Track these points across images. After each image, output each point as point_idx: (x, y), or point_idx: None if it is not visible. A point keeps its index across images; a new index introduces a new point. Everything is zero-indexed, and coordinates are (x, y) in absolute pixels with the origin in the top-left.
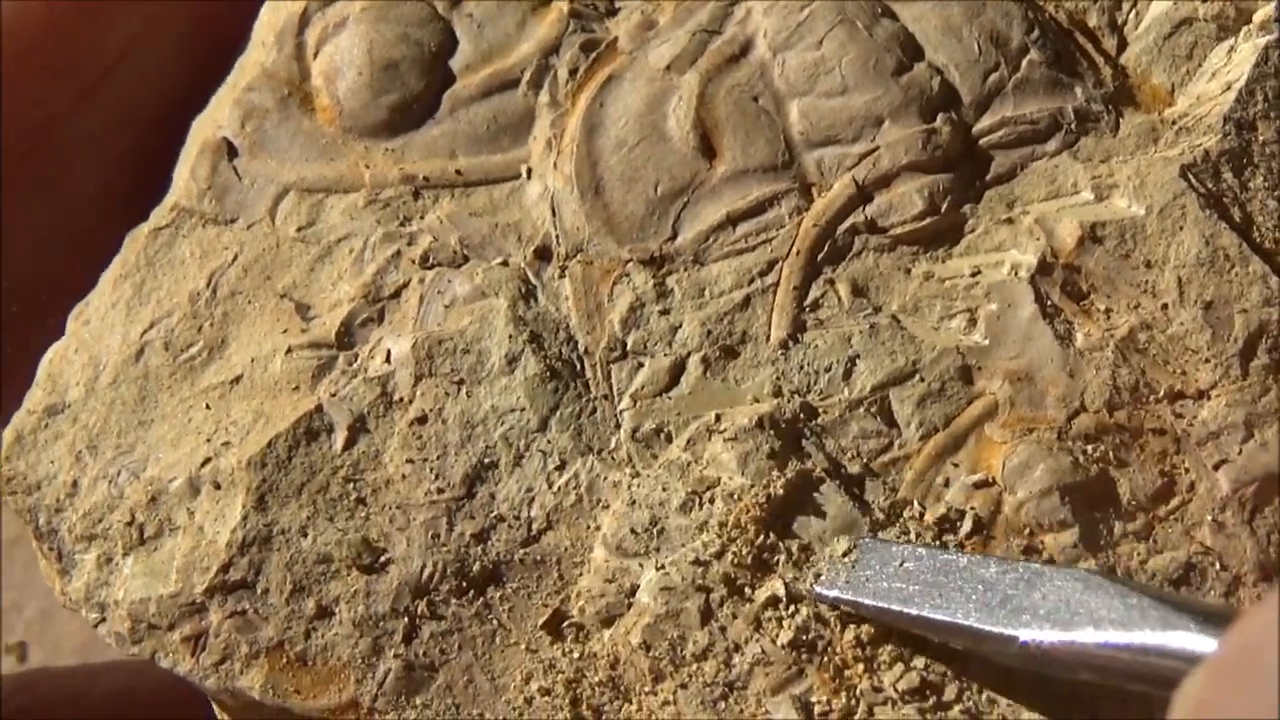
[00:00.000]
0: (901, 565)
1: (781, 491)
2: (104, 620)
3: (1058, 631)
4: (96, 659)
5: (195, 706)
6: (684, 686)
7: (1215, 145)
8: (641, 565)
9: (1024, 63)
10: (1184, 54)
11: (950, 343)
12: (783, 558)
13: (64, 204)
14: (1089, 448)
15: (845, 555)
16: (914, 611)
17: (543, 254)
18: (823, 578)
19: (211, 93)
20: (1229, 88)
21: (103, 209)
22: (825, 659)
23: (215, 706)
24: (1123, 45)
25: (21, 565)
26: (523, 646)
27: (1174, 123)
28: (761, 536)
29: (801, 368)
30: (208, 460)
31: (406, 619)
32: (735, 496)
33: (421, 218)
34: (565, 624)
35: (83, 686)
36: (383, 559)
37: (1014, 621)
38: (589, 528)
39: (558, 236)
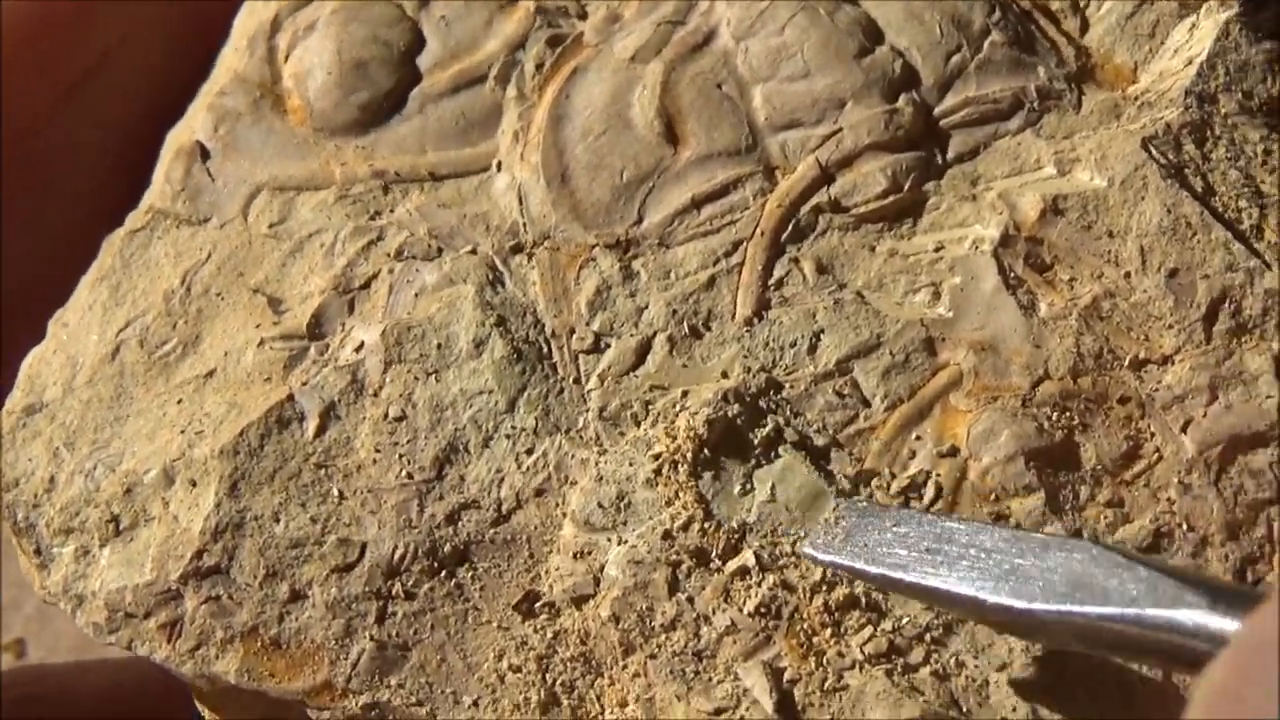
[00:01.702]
0: (897, 529)
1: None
2: (82, 611)
3: (1065, 603)
4: (95, 656)
5: (187, 699)
6: (653, 657)
7: (1176, 118)
8: (610, 540)
9: (986, 44)
10: (1146, 32)
11: (914, 316)
12: (752, 528)
13: (45, 207)
14: (1054, 414)
15: (834, 518)
16: (911, 578)
17: (510, 242)
18: (811, 539)
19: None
20: (1190, 62)
21: (84, 212)
22: (793, 625)
23: (194, 694)
24: (1085, 26)
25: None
26: (494, 625)
27: (1136, 99)
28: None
29: (767, 344)
30: (182, 451)
31: (379, 600)
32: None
33: (391, 211)
34: (538, 603)
35: (76, 682)
36: (359, 552)
37: (1020, 592)
38: (557, 506)
39: (525, 225)
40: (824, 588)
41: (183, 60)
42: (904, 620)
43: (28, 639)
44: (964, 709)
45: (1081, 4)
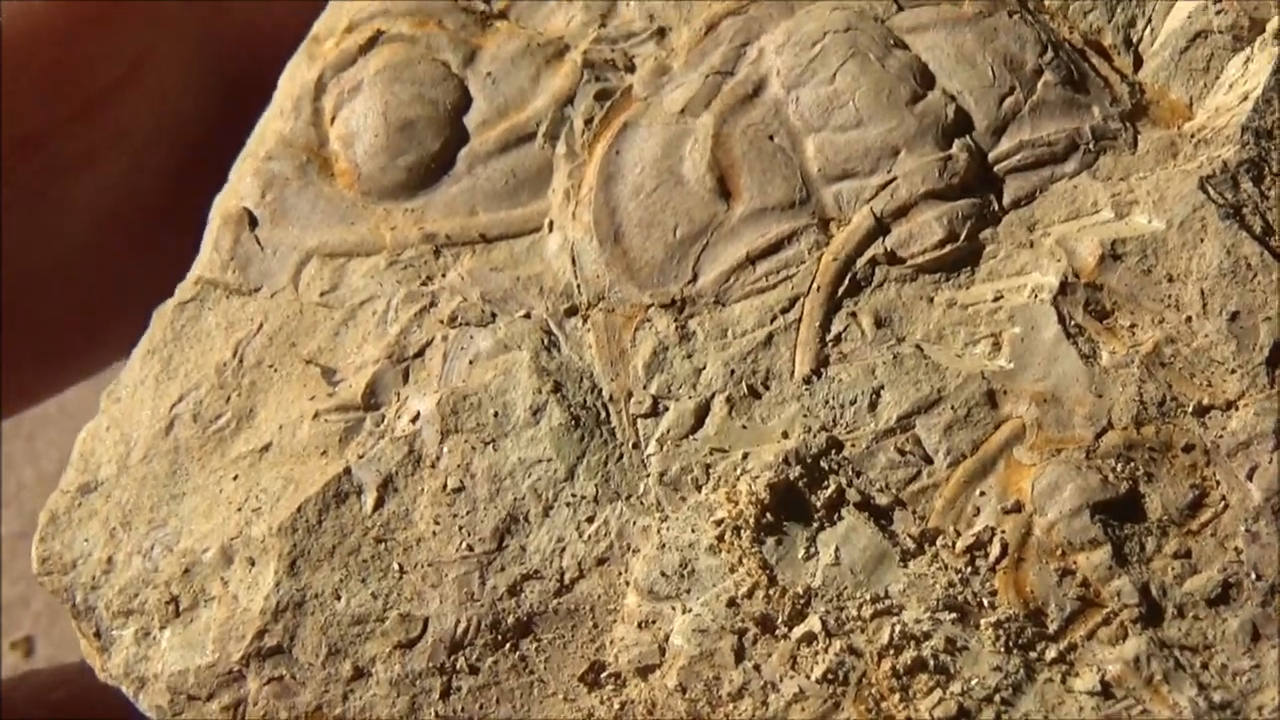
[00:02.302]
0: None
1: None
2: (144, 694)
3: None
4: None
5: None
6: None
7: (1234, 156)
8: (674, 608)
9: (1039, 85)
10: (1201, 67)
11: (975, 368)
12: (817, 593)
13: (56, 217)
14: (1118, 465)
15: None
16: None
17: (564, 304)
18: None
19: (212, 123)
20: (1246, 97)
21: (96, 225)
22: (861, 690)
23: None
24: (1139, 63)
25: (28, 559)
26: (560, 697)
27: (1193, 136)
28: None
29: (826, 402)
30: (240, 529)
31: (443, 676)
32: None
33: (443, 276)
34: (603, 673)
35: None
36: (421, 627)
37: None
38: (620, 574)
39: (579, 286)
40: (891, 651)
41: (203, 83)
42: (973, 682)
43: (36, 636)
44: None
45: (1134, 40)
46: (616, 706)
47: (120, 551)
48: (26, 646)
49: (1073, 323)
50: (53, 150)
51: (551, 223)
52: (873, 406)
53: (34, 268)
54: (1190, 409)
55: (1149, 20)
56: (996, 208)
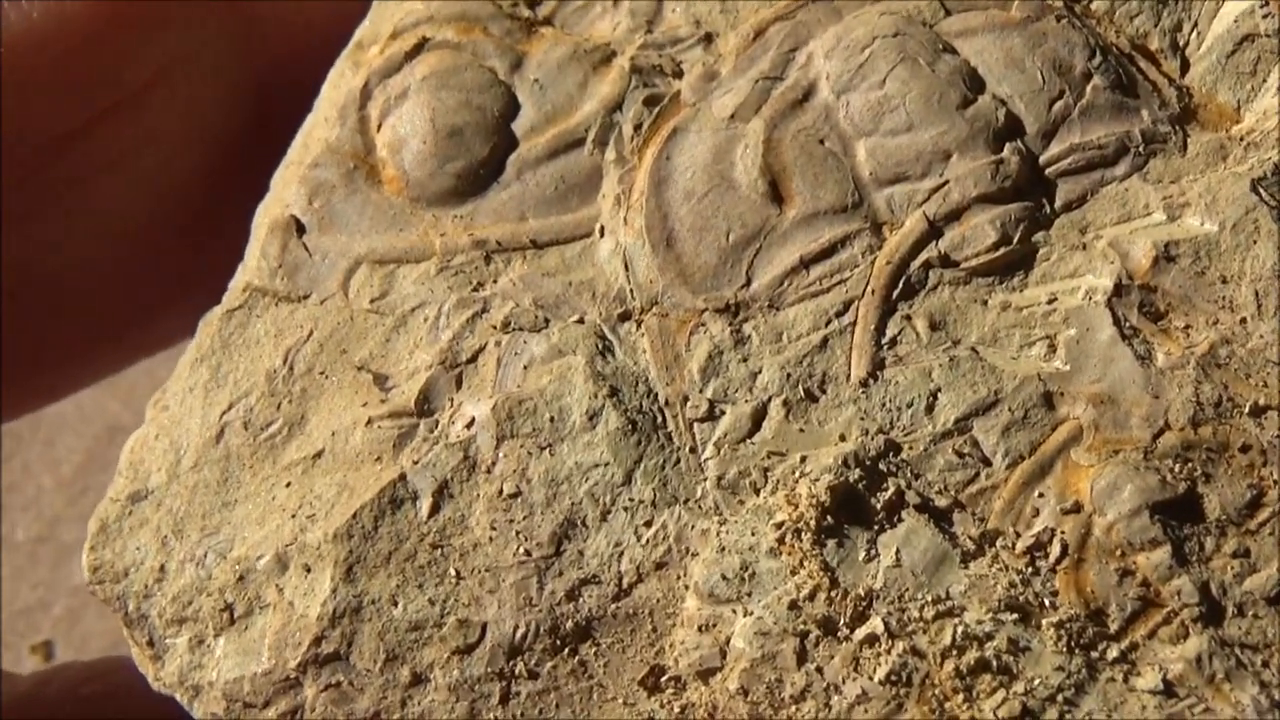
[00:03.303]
0: None
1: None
2: (199, 702)
3: None
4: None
5: None
6: None
7: None
8: (735, 611)
9: (1088, 89)
10: (1248, 70)
11: (1031, 370)
12: (879, 595)
13: (78, 218)
14: (1176, 465)
15: None
16: None
17: (618, 309)
18: None
19: (243, 127)
20: None
21: (125, 226)
22: (925, 692)
23: None
24: (1186, 66)
25: (48, 564)
26: (620, 701)
27: (1242, 139)
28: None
29: (883, 405)
30: (294, 536)
31: (502, 681)
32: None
33: (494, 282)
34: (663, 678)
35: (108, 678)
36: (480, 632)
37: None
38: (679, 578)
39: (632, 291)
40: (954, 652)
41: (235, 87)
42: (1035, 682)
43: (55, 640)
44: None
45: (1181, 44)
46: (677, 710)
47: (173, 559)
48: (46, 651)
49: (1128, 324)
50: (82, 151)
51: (603, 228)
52: (930, 409)
53: (62, 267)
54: (1246, 409)
55: (1195, 24)
56: (1048, 211)
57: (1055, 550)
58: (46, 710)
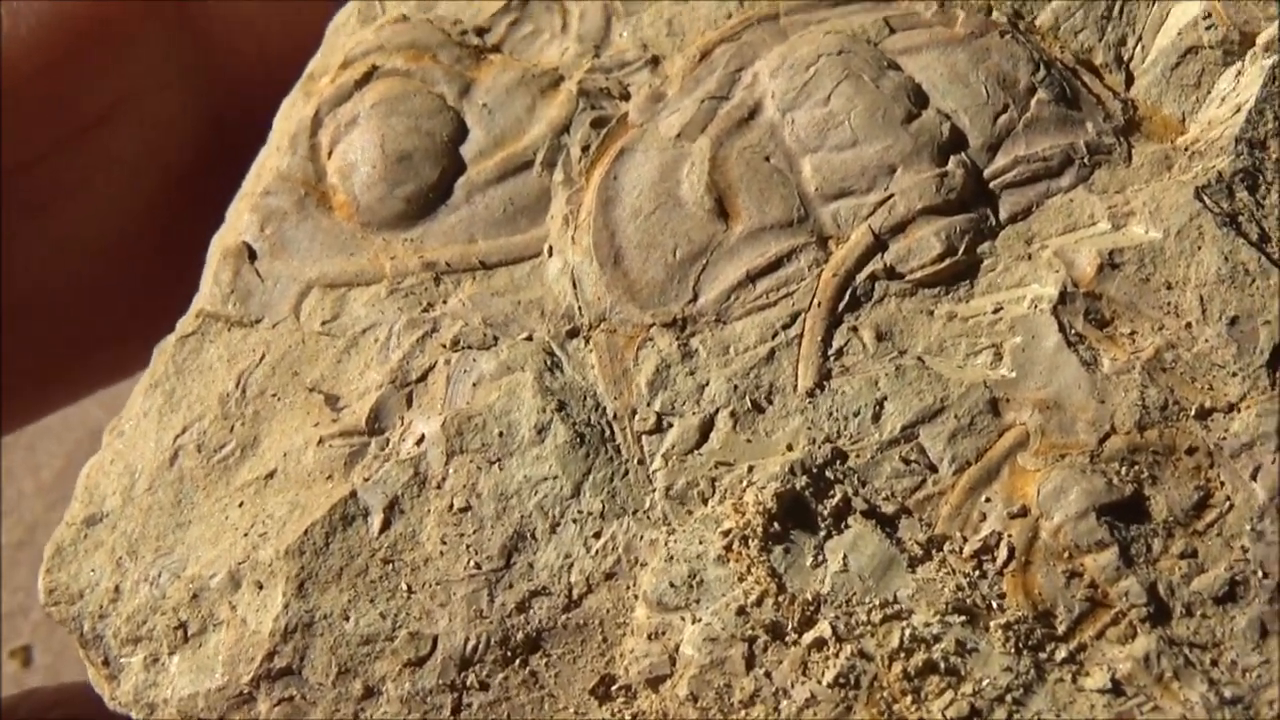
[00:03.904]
0: None
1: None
2: (154, 719)
3: None
4: None
5: None
6: None
7: (1228, 166)
8: (683, 619)
9: (1032, 102)
10: (1192, 82)
11: (977, 378)
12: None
13: (42, 242)
14: (1122, 468)
15: None
16: None
17: (566, 326)
18: None
19: (201, 154)
20: (1239, 110)
21: (85, 250)
22: (873, 694)
23: None
24: (1130, 80)
25: (27, 568)
26: (571, 711)
27: (1186, 149)
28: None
29: (830, 414)
30: (246, 554)
31: (454, 693)
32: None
33: (444, 302)
34: (614, 686)
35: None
36: (430, 645)
37: None
38: (629, 588)
39: (580, 308)
40: (902, 654)
41: (193, 114)
42: (984, 683)
43: (34, 645)
44: None
45: (1126, 58)
46: (628, 718)
47: (127, 580)
48: (25, 655)
49: (1073, 331)
50: (44, 177)
51: (551, 248)
52: (876, 417)
53: (26, 290)
54: (1193, 412)
55: (1139, 38)
56: (994, 222)
57: (1002, 553)
58: None
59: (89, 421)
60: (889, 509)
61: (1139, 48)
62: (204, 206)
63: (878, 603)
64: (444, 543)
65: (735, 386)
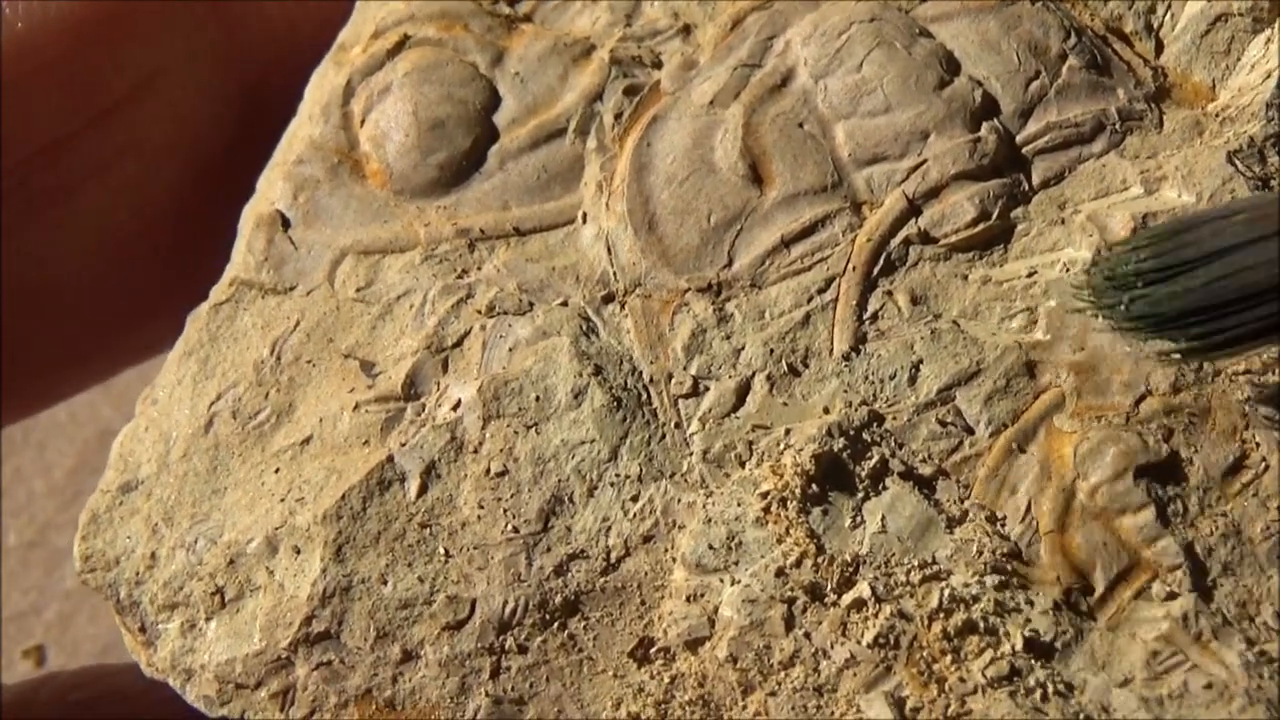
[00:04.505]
0: None
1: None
2: (191, 685)
3: None
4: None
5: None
6: (773, 695)
7: (1260, 131)
8: (722, 581)
9: (1064, 69)
10: (1222, 49)
11: (1012, 341)
12: (865, 560)
13: (64, 227)
14: (1158, 430)
15: None
16: None
17: (601, 292)
18: None
19: (228, 135)
20: (1269, 75)
21: (109, 233)
22: (912, 654)
23: None
24: (1160, 47)
25: (40, 569)
26: (610, 673)
27: (1217, 115)
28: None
29: (866, 377)
30: (284, 519)
31: (492, 656)
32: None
33: (479, 268)
34: (653, 649)
35: (94, 685)
36: (469, 608)
37: None
38: (666, 551)
39: (615, 274)
40: (941, 615)
41: (220, 94)
42: (1022, 642)
43: (48, 645)
44: None
45: (1155, 26)
46: (667, 680)
47: (163, 546)
48: (38, 655)
49: None
50: (68, 159)
51: (585, 214)
52: (912, 380)
53: (49, 275)
54: (1227, 374)
55: (1169, 6)
56: (1027, 188)
57: (1040, 514)
58: (36, 716)
59: (99, 421)
60: (926, 471)
61: (1168, 15)
62: (232, 184)
63: (916, 563)
64: (481, 507)
65: (771, 350)
